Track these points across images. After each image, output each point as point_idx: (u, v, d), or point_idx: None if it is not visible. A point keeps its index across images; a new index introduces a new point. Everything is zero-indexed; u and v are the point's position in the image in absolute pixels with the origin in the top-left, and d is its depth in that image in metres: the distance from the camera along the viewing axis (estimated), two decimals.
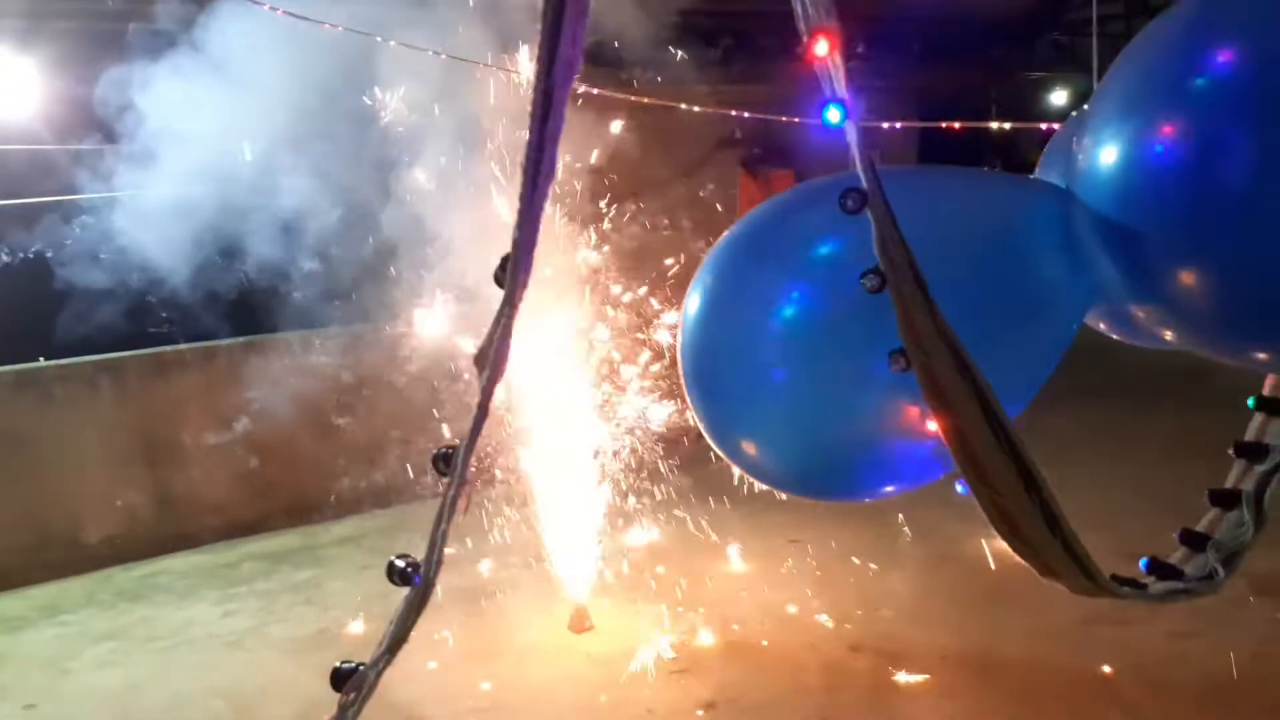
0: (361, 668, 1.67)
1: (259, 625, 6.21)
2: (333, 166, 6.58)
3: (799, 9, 1.63)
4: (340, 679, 1.67)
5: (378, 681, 1.68)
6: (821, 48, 1.62)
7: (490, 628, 5.81)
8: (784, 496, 2.96)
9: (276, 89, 5.88)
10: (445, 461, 1.67)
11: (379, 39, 5.42)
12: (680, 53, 8.08)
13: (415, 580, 1.69)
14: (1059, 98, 14.24)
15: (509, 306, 1.67)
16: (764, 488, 2.61)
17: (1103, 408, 8.62)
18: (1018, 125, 8.48)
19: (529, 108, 1.57)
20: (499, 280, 1.68)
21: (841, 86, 1.65)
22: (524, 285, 1.68)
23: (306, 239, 6.93)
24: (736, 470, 2.55)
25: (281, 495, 7.52)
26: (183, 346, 7.61)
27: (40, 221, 7.14)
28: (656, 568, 6.52)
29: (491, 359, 1.67)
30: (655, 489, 7.24)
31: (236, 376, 7.65)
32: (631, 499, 7.05)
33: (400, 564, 1.69)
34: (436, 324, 6.35)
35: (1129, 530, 5.03)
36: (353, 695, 1.63)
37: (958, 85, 13.40)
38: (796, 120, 6.71)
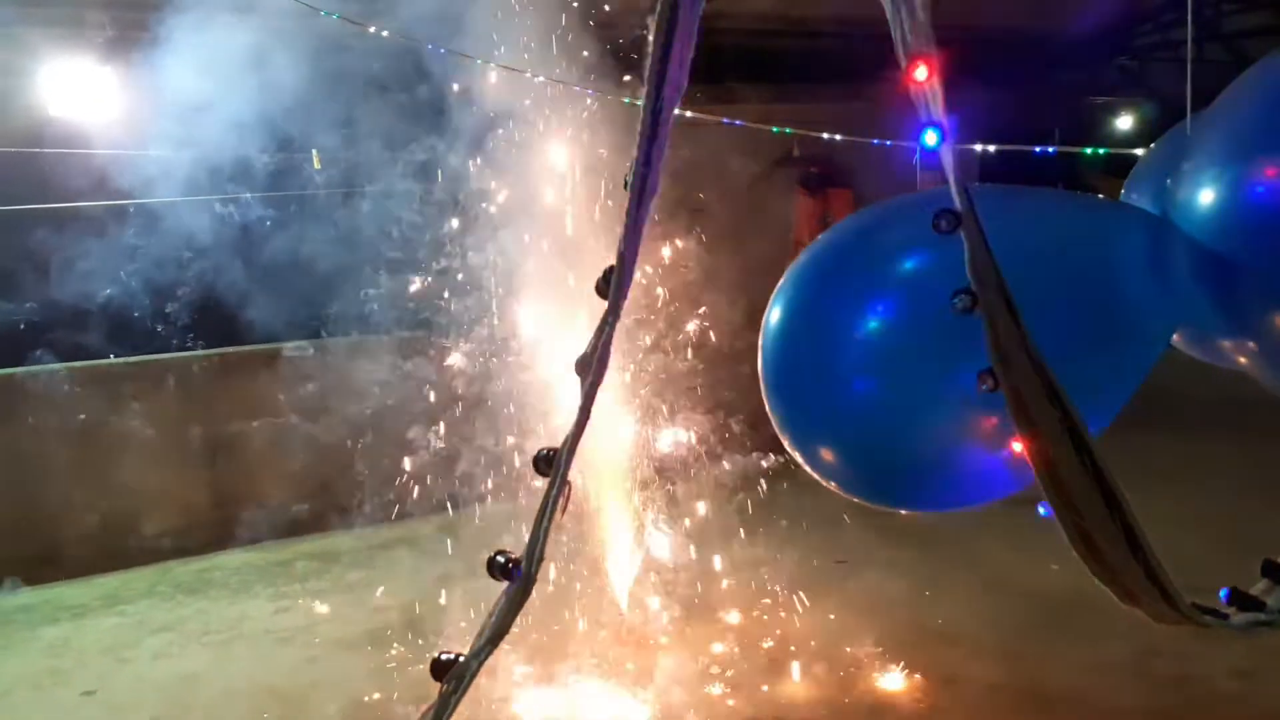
0: (462, 658, 1.71)
1: (310, 623, 6.30)
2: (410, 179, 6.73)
3: (897, 35, 1.66)
4: (440, 669, 1.71)
5: (479, 671, 1.72)
6: (921, 73, 1.64)
7: (542, 631, 5.84)
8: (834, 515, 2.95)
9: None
10: (547, 463, 1.71)
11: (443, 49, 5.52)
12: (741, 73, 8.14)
13: (516, 575, 1.73)
14: (1124, 123, 14.04)
15: (612, 316, 1.71)
16: (809, 509, 2.62)
17: (1157, 437, 8.40)
18: (1096, 150, 8.35)
19: (638, 127, 1.61)
20: (601, 291, 1.73)
21: (939, 110, 1.68)
22: (625, 296, 1.72)
23: (376, 249, 7.07)
24: (779, 492, 2.56)
25: (336, 495, 7.62)
26: (247, 348, 7.77)
27: (112, 223, 7.34)
28: (700, 585, 6.52)
29: (594, 365, 1.71)
30: (704, 506, 7.25)
31: (298, 378, 7.79)
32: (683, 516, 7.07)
33: (501, 560, 1.74)
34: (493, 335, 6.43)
35: (1190, 564, 4.92)
36: (453, 684, 1.68)
37: (1022, 109, 13.28)
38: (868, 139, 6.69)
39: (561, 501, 1.74)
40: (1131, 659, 5.07)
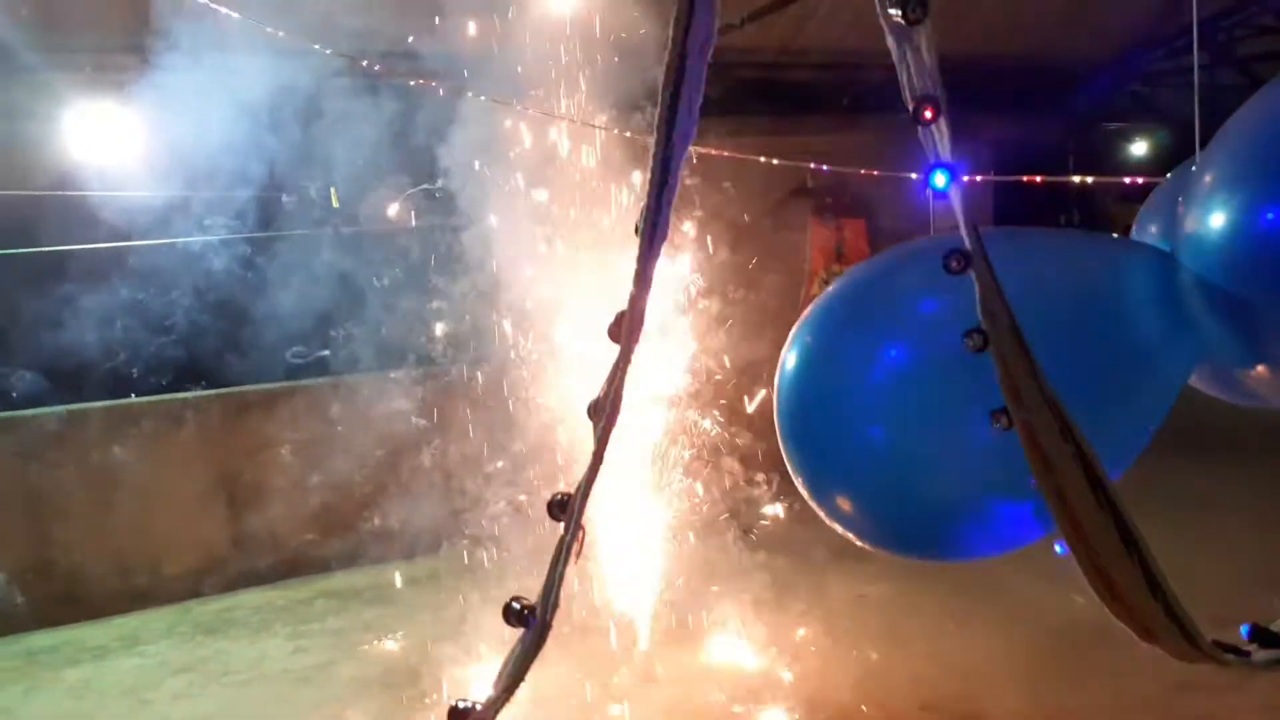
0: (478, 706, 1.71)
1: (329, 662, 6.29)
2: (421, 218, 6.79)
3: (904, 77, 1.68)
4: (456, 717, 1.71)
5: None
6: (928, 115, 1.66)
7: (552, 673, 5.81)
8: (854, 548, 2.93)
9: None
10: (561, 508, 1.72)
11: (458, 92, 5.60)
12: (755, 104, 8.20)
13: (531, 622, 1.74)
14: (1139, 148, 14.05)
15: (623, 361, 1.73)
16: (829, 542, 2.60)
17: (1183, 464, 8.28)
18: (1102, 179, 8.36)
19: (648, 174, 1.63)
20: (613, 336, 1.74)
21: (947, 151, 1.69)
22: (637, 340, 1.74)
23: (388, 287, 7.13)
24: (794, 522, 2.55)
25: (355, 533, 7.63)
26: (265, 386, 7.82)
27: (132, 264, 7.45)
28: (722, 619, 6.47)
29: (606, 410, 1.72)
30: (723, 539, 7.21)
31: (317, 416, 7.83)
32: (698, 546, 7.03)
33: (516, 606, 1.74)
34: (515, 370, 6.46)
35: (1217, 595, 4.85)
36: None
37: (1034, 135, 13.31)
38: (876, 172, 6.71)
39: (576, 547, 1.74)
40: (1158, 694, 4.98)
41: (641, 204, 1.66)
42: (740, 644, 6.13)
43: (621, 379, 1.73)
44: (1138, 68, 12.46)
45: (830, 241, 10.96)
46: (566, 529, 1.71)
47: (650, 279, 1.71)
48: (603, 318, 1.70)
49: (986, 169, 12.63)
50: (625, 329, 1.71)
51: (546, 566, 1.81)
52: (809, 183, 10.53)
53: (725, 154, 6.22)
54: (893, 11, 1.59)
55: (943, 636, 6.04)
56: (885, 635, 6.12)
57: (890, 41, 1.65)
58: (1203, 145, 2.36)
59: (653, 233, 1.67)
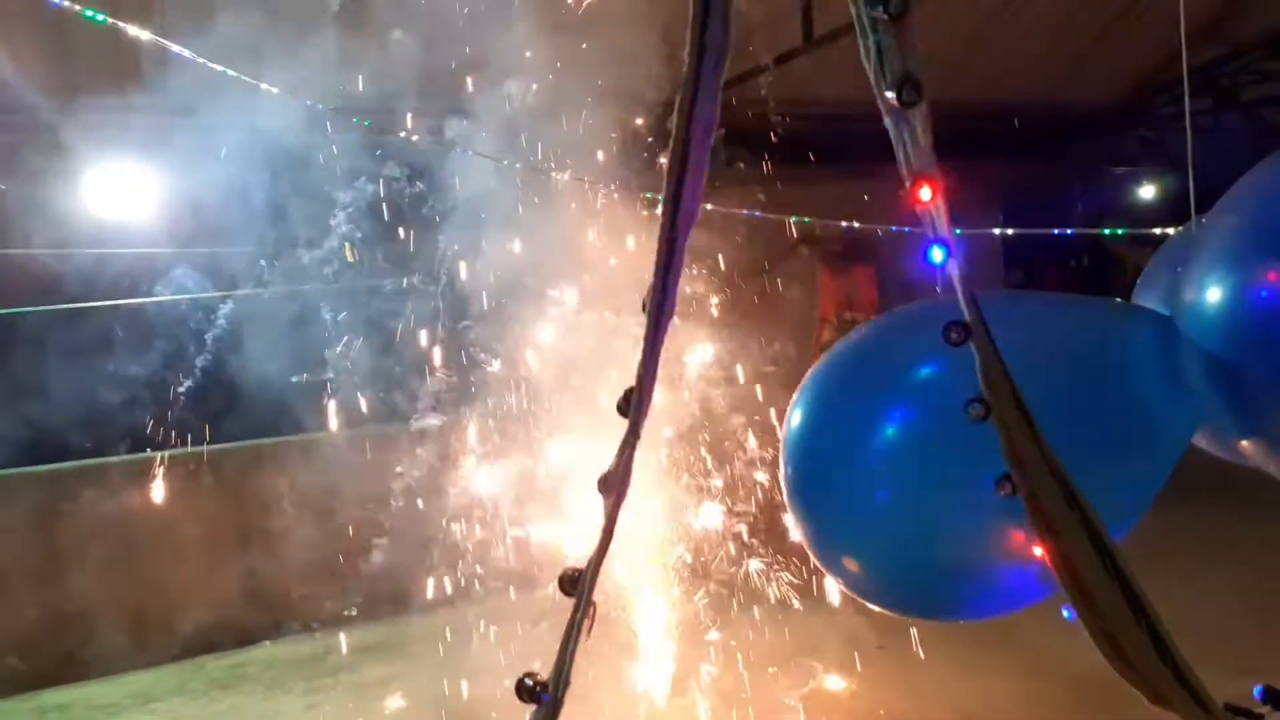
0: None
1: (342, 717, 6.26)
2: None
3: (900, 155, 1.72)
4: None
5: None
6: (925, 194, 1.70)
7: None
8: None
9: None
10: (572, 584, 1.74)
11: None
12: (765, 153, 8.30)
13: (543, 699, 1.75)
14: (1147, 192, 14.11)
15: (633, 436, 1.76)
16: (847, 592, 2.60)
17: (1200, 509, 8.20)
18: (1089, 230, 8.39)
19: (654, 256, 1.68)
20: (622, 411, 1.78)
21: (944, 228, 1.73)
22: (645, 415, 1.77)
23: (409, 342, 7.20)
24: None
25: (368, 588, 7.62)
26: (280, 439, 7.86)
27: (148, 320, 7.54)
28: (742, 669, 6.44)
29: (616, 484, 1.75)
30: (740, 592, 7.19)
31: (331, 470, 7.85)
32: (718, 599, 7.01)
33: (529, 683, 1.75)
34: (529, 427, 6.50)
35: (1238, 644, 4.83)
36: None
37: (1042, 180, 13.39)
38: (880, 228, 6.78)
39: (587, 623, 1.76)
40: None
41: (648, 283, 1.71)
42: (758, 693, 6.08)
43: (631, 454, 1.76)
44: (1144, 113, 12.56)
45: (840, 289, 11.00)
46: (578, 605, 1.73)
47: (658, 355, 1.75)
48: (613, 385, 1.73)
49: (995, 213, 12.71)
50: (634, 404, 1.74)
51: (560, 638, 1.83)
52: (817, 231, 10.60)
53: (736, 210, 6.28)
54: (889, 94, 1.64)
55: (962, 687, 5.99)
56: (905, 686, 6.07)
57: (887, 122, 1.69)
58: (1205, 199, 2.39)
59: (659, 311, 1.71)
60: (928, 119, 1.66)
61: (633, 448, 1.75)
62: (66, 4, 3.85)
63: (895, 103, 1.62)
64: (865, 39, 1.63)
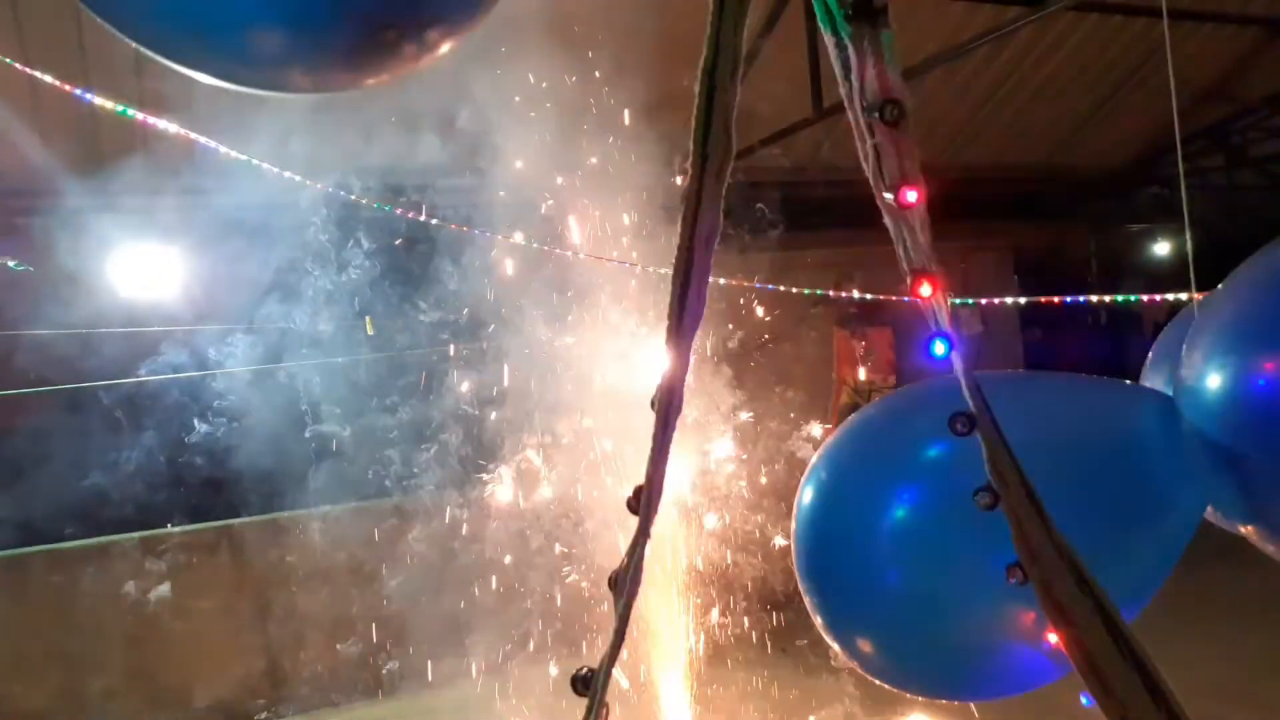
0: None
1: None
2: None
3: (900, 251, 1.77)
4: None
5: None
6: (925, 290, 1.74)
7: None
8: None
9: None
10: (584, 684, 1.75)
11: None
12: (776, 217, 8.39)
13: None
14: (1161, 249, 14.14)
15: (643, 534, 1.78)
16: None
17: (1227, 566, 8.06)
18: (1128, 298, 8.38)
19: (662, 359, 1.73)
20: (632, 508, 1.80)
21: (945, 322, 1.77)
22: (655, 513, 1.80)
23: (421, 414, 7.26)
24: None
25: (393, 665, 7.58)
26: (299, 512, 7.88)
27: (164, 397, 7.64)
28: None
29: (627, 584, 1.77)
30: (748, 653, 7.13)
31: (354, 545, 7.86)
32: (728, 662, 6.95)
33: None
34: (547, 497, 6.51)
35: (1268, 705, 4.74)
36: None
37: (1057, 239, 13.45)
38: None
39: None
40: None
41: (656, 385, 1.75)
42: None
43: (641, 552, 1.79)
44: (1155, 171, 12.63)
45: (856, 351, 11.02)
46: (591, 706, 1.74)
47: (667, 454, 1.78)
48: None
49: (1009, 272, 12.75)
50: (644, 502, 1.77)
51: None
52: (831, 293, 10.66)
53: (750, 285, 6.35)
54: (887, 196, 1.69)
55: None
56: None
57: (887, 220, 1.75)
58: (1217, 251, 2.41)
59: (667, 411, 1.75)
60: (926, 219, 1.71)
61: (643, 546, 1.77)
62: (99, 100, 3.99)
63: (894, 204, 1.67)
64: (863, 143, 1.69)
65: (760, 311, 8.87)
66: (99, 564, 7.42)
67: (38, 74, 4.12)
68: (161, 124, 4.20)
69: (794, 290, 7.21)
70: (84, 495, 7.44)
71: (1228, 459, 2.11)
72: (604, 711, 1.74)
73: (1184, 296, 3.28)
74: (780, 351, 9.32)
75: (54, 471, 7.35)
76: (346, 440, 7.61)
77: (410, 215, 5.52)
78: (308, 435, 7.49)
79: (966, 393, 1.79)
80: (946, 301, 1.75)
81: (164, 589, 7.54)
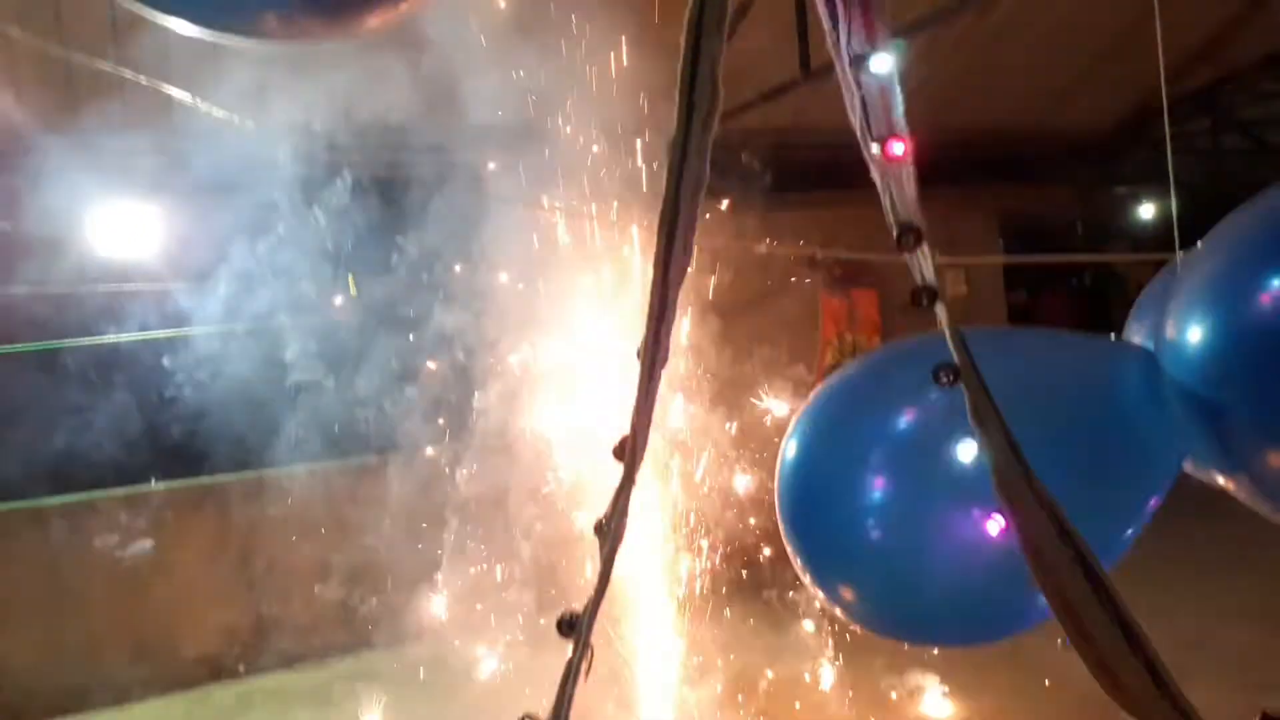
0: None
1: None
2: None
3: (887, 205, 1.77)
4: None
5: None
6: (910, 242, 1.74)
7: None
8: None
9: None
10: (570, 627, 1.78)
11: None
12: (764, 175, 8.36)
13: None
14: (1147, 211, 14.17)
15: (628, 481, 1.81)
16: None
17: (1209, 521, 8.12)
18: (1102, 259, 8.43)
19: (646, 306, 1.73)
20: (618, 456, 1.82)
21: (930, 275, 1.77)
22: (640, 462, 1.81)
23: (400, 369, 7.26)
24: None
25: (374, 617, 7.64)
26: (285, 470, 7.89)
27: (148, 354, 7.61)
28: (738, 695, 6.45)
29: (612, 530, 1.79)
30: (739, 611, 7.21)
31: (335, 499, 7.89)
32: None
33: None
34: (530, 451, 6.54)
35: (1247, 660, 4.84)
36: None
37: (1043, 201, 13.45)
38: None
39: (584, 666, 1.80)
40: None
41: (641, 333, 1.75)
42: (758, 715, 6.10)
43: (626, 499, 1.81)
44: (1143, 133, 12.63)
45: (841, 312, 11.06)
46: (575, 647, 1.76)
47: (652, 403, 1.80)
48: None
49: (995, 235, 12.76)
50: (629, 450, 1.79)
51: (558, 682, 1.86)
52: (818, 255, 10.65)
53: (739, 245, 6.34)
54: (874, 147, 1.69)
55: (971, 709, 5.99)
56: (912, 708, 6.08)
57: (874, 173, 1.75)
58: (1202, 216, 2.43)
59: (652, 361, 1.76)
60: (912, 171, 1.71)
61: (628, 493, 1.79)
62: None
63: (880, 156, 1.68)
64: (850, 95, 1.69)
65: (744, 273, 8.86)
66: (83, 520, 7.43)
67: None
68: (139, 77, 4.14)
69: (779, 249, 7.20)
70: (61, 454, 7.43)
71: (1208, 411, 2.14)
72: (588, 653, 1.77)
73: (1167, 258, 3.31)
74: (764, 313, 9.33)
75: (28, 431, 7.34)
76: (329, 396, 7.60)
77: (390, 167, 5.48)
78: (289, 392, 7.48)
79: (951, 345, 1.81)
80: (932, 254, 1.76)
81: (147, 544, 7.57)
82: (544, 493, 6.38)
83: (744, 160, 7.57)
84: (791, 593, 7.23)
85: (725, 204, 6.95)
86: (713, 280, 6.75)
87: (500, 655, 6.52)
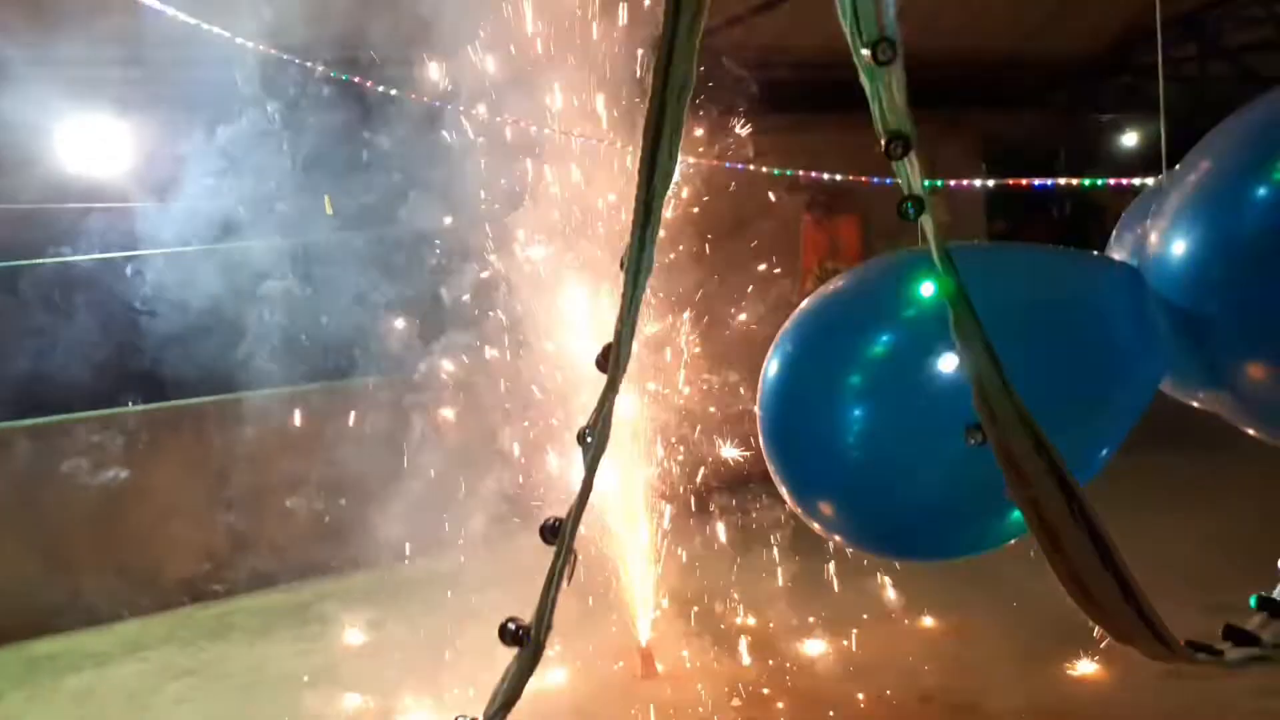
0: None
1: (331, 665, 6.35)
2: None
3: (876, 113, 1.74)
4: None
5: None
6: (898, 151, 1.72)
7: (553, 672, 5.88)
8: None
9: None
10: (553, 533, 1.80)
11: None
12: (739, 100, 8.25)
13: (526, 642, 1.82)
14: (1130, 139, 14.12)
15: (611, 390, 1.81)
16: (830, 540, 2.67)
17: (1181, 453, 8.20)
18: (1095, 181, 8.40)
19: (631, 215, 1.71)
20: (601, 366, 1.82)
21: (918, 185, 1.76)
22: (623, 371, 1.81)
23: (384, 291, 7.20)
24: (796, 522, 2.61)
25: (353, 537, 7.70)
26: (262, 392, 7.87)
27: (125, 272, 7.51)
28: (721, 614, 6.57)
29: (595, 438, 1.80)
30: (721, 533, 7.31)
31: (314, 421, 7.89)
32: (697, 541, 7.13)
33: (511, 627, 1.82)
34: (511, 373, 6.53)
35: (1211, 583, 4.96)
36: None
37: (1024, 129, 13.37)
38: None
39: (568, 571, 1.82)
40: (1155, 680, 5.04)
41: (626, 242, 1.73)
42: (739, 637, 6.22)
43: (609, 407, 1.81)
44: (1126, 60, 12.51)
45: (823, 239, 11.03)
46: (558, 554, 1.78)
47: (636, 312, 1.79)
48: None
49: (977, 163, 12.71)
50: (612, 360, 1.79)
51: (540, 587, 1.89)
52: (800, 180, 10.58)
53: (719, 164, 6.27)
54: (864, 52, 1.66)
55: (941, 628, 6.14)
56: (884, 627, 6.22)
57: (863, 79, 1.71)
58: (1187, 148, 2.43)
59: (637, 270, 1.75)
60: (902, 79, 1.68)
61: (611, 401, 1.80)
62: None
63: (870, 61, 1.64)
64: None
65: (725, 194, 8.78)
66: (59, 442, 7.41)
67: None
68: None
69: (762, 170, 7.14)
70: (30, 376, 7.38)
71: (1192, 324, 2.15)
72: (572, 559, 1.79)
73: (1150, 181, 3.30)
74: (745, 237, 9.28)
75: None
76: (306, 316, 7.55)
77: (370, 85, 5.36)
78: (265, 312, 7.42)
79: (936, 258, 1.80)
80: (921, 165, 1.74)
81: (128, 466, 7.56)
82: (524, 405, 6.38)
83: (730, 69, 7.43)
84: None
85: (706, 117, 6.84)
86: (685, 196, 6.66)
87: (480, 567, 6.59)
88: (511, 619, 1.82)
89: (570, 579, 1.82)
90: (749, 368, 7.20)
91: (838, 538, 2.51)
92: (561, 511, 1.83)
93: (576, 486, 1.81)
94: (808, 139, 9.69)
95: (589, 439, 1.80)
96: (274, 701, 5.91)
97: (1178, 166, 2.28)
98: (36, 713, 6.06)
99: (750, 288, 8.37)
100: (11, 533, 7.25)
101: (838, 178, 7.65)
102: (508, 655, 1.92)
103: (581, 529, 1.80)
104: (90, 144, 6.93)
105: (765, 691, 5.52)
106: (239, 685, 6.24)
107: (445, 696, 5.15)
